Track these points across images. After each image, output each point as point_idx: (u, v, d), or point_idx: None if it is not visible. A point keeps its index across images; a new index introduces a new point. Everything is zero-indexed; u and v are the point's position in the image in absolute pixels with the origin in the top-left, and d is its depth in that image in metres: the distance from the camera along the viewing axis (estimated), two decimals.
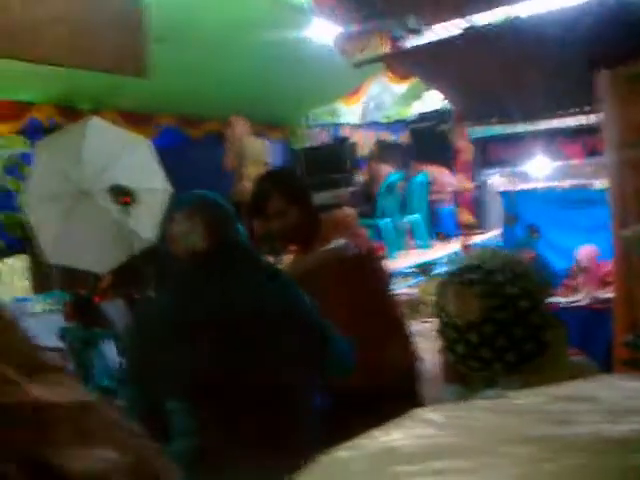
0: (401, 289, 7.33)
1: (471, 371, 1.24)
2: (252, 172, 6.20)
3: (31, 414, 0.40)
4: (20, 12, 2.01)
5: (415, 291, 7.94)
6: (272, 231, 2.27)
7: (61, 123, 5.62)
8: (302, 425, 1.63)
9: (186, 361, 1.49)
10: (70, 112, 5.71)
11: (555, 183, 6.05)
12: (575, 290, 4.55)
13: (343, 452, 0.56)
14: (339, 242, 2.22)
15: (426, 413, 0.62)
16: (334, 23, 3.19)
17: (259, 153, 6.67)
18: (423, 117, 8.91)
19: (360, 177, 7.21)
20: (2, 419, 0.39)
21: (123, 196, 4.07)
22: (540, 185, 5.80)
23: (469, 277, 1.23)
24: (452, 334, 1.24)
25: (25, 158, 4.55)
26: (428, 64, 4.20)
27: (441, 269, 6.62)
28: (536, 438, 0.44)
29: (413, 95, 8.98)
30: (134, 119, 6.25)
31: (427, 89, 7.64)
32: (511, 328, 1.20)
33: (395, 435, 0.59)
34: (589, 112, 4.21)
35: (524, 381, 1.14)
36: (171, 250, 1.61)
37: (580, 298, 4.40)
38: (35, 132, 5.38)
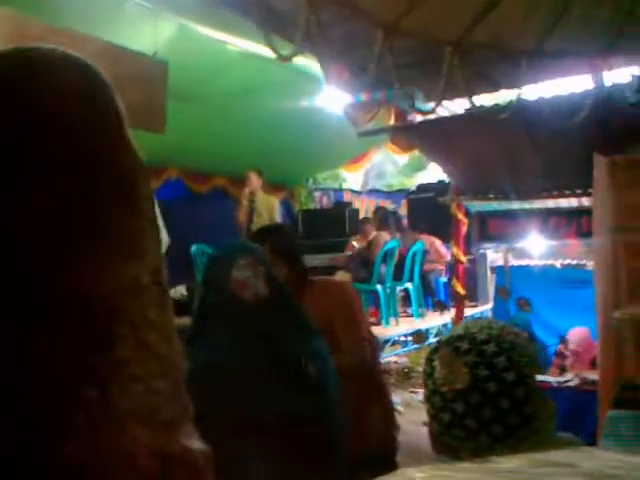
0: (391, 356, 7.30)
1: (456, 441, 1.25)
2: None
3: None
4: None
5: (405, 359, 7.89)
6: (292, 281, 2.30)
7: None
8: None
9: (242, 402, 1.50)
10: None
11: (549, 261, 6.13)
12: (565, 370, 4.55)
13: None
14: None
15: (411, 472, 0.66)
16: (343, 92, 3.32)
17: (270, 210, 6.69)
18: (422, 188, 9.12)
19: (358, 242, 7.29)
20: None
21: None
22: (534, 262, 5.87)
23: (458, 346, 1.26)
24: (438, 402, 1.26)
25: None
26: (430, 139, 4.34)
27: (432, 339, 6.62)
28: None
29: (415, 167, 9.21)
30: None
31: (429, 162, 7.84)
32: (497, 399, 1.21)
33: None
34: (584, 194, 4.32)
35: (510, 453, 1.14)
36: (236, 295, 1.65)
37: (570, 379, 4.39)
38: None
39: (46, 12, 3.10)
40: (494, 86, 3.42)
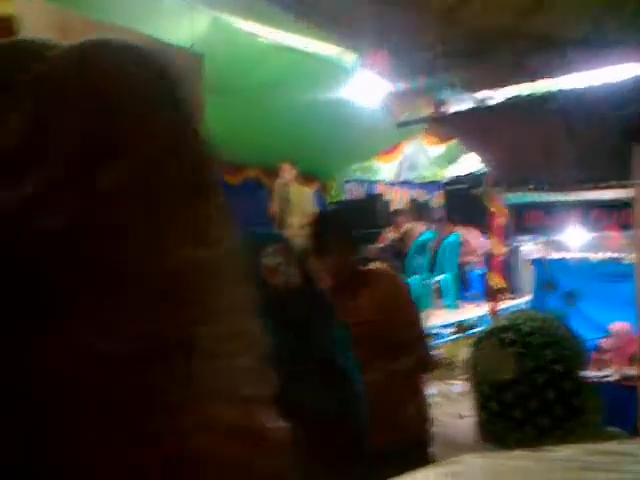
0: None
1: (503, 431, 1.25)
2: (296, 220, 6.22)
3: None
4: None
5: (440, 351, 7.83)
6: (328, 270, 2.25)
7: None
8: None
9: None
10: None
11: (589, 254, 6.00)
12: (605, 365, 4.46)
13: None
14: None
15: (470, 458, 0.66)
16: (382, 79, 3.30)
17: (304, 201, 6.67)
18: (458, 179, 9.01)
19: (391, 234, 7.24)
20: None
21: None
22: (574, 255, 5.75)
23: (503, 337, 1.25)
24: (486, 391, 1.26)
25: None
26: (468, 129, 4.28)
27: (468, 332, 6.56)
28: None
29: (449, 157, 9.11)
30: None
31: (464, 152, 7.74)
32: (544, 391, 1.20)
33: (424, 474, 0.65)
34: (625, 186, 4.22)
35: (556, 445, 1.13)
36: (267, 281, 1.65)
37: (609, 374, 4.31)
38: None
39: (86, 6, 3.15)
40: (540, 75, 3.35)
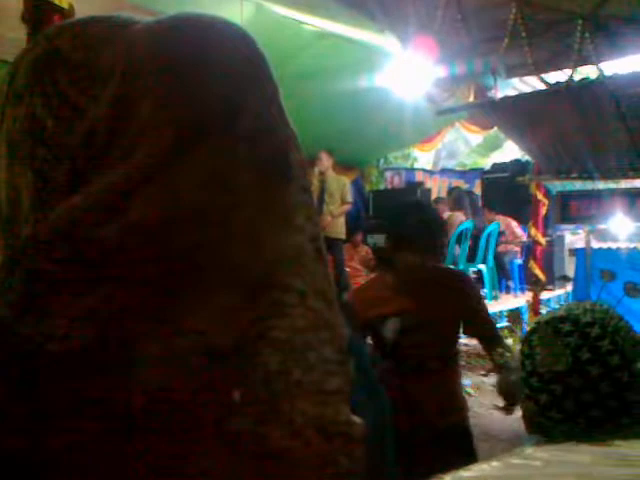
0: (461, 339, 7.15)
1: (552, 423, 1.23)
2: (333, 209, 6.22)
3: None
4: None
5: (475, 342, 7.74)
6: (422, 267, 2.21)
7: None
8: None
9: None
10: None
11: (633, 244, 5.85)
12: None
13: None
14: None
15: (530, 451, 0.67)
16: (426, 68, 3.25)
17: (341, 190, 6.68)
18: (498, 167, 8.85)
19: None
20: None
21: None
22: (619, 245, 5.61)
23: (559, 327, 1.23)
24: (536, 383, 1.24)
25: None
26: (511, 116, 4.20)
27: (504, 323, 6.47)
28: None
29: (490, 146, 8.97)
30: None
31: (504, 141, 7.61)
32: (598, 383, 1.18)
33: (492, 465, 0.65)
34: None
35: (607, 439, 1.12)
36: None
37: None
38: None
39: None
40: (576, 61, 3.27)
